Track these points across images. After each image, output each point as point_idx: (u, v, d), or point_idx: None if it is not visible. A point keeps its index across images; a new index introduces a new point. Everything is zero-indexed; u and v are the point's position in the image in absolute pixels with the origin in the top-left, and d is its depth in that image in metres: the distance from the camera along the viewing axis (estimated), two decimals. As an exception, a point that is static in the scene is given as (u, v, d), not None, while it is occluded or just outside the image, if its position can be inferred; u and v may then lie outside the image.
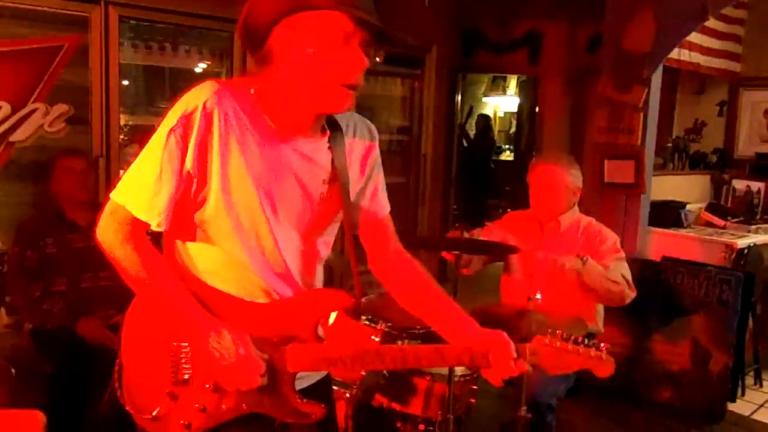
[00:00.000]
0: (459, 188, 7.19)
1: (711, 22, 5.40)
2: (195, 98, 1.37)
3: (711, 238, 4.54)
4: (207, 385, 1.43)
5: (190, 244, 1.47)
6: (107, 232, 1.40)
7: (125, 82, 3.50)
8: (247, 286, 1.46)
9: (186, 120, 1.35)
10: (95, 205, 2.89)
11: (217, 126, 1.37)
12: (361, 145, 1.56)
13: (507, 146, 9.90)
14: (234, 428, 1.46)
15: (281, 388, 1.44)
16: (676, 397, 4.06)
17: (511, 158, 9.10)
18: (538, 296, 2.46)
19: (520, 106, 8.81)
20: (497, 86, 9.98)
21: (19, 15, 2.97)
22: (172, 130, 1.35)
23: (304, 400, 1.46)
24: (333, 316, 2.21)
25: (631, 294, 2.81)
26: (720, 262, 4.36)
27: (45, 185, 2.93)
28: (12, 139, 2.99)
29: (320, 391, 1.57)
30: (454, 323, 1.54)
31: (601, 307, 2.92)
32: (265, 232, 1.44)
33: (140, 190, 1.36)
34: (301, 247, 1.51)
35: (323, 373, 1.63)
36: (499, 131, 10.19)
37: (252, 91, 1.42)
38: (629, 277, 2.84)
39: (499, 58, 6.13)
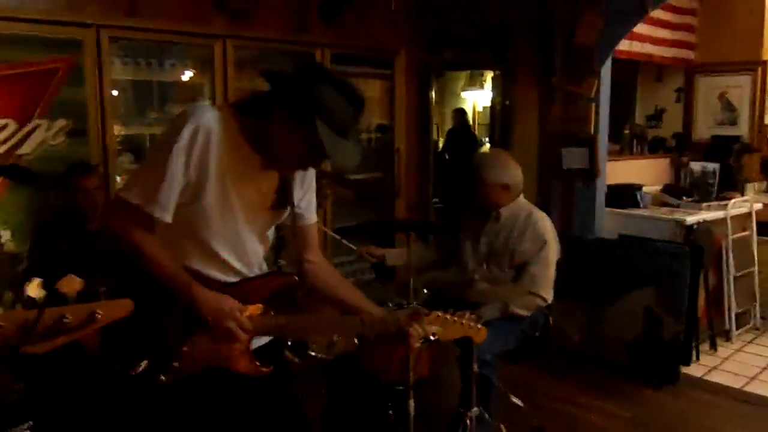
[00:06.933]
0: (441, 181, 7.52)
1: (663, 14, 5.78)
2: (198, 119, 1.76)
3: (663, 216, 4.90)
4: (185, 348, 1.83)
5: (176, 231, 1.85)
6: (119, 221, 1.79)
7: (116, 93, 3.85)
8: (218, 266, 1.89)
9: (190, 136, 1.74)
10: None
11: (214, 143, 1.77)
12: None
13: (487, 139, 10.23)
14: (203, 377, 1.87)
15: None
16: (631, 362, 4.43)
17: (489, 150, 9.42)
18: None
19: (492, 100, 9.14)
20: (475, 81, 10.29)
21: (20, 41, 3.32)
22: (179, 144, 1.73)
23: (256, 361, 1.90)
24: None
25: (542, 303, 3.17)
26: (672, 238, 4.73)
27: (55, 194, 3.27)
28: (19, 152, 3.34)
29: (270, 350, 2.00)
30: (367, 310, 2.03)
31: (550, 279, 3.26)
32: (236, 226, 1.88)
33: (153, 193, 1.74)
34: (256, 238, 1.97)
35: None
36: (479, 125, 10.52)
37: (241, 123, 1.83)
38: (543, 285, 3.16)
39: (468, 55, 6.47)
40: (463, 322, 2.02)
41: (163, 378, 1.82)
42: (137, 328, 1.78)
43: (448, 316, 2.00)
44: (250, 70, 4.44)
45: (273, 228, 2.07)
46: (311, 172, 2.03)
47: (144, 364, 1.80)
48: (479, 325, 2.07)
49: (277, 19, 4.45)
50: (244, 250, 1.92)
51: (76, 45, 3.48)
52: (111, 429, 2.61)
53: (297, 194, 2.01)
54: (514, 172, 3.23)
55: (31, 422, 2.51)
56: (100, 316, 1.28)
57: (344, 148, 1.76)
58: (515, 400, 3.32)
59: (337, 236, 3.47)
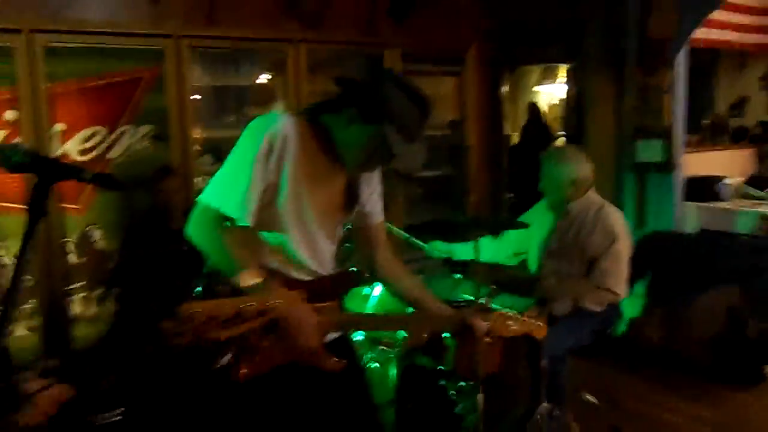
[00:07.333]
0: (515, 176, 7.46)
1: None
2: (274, 126, 1.86)
3: (746, 209, 4.72)
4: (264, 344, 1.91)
5: (253, 233, 1.95)
6: (201, 230, 1.87)
7: (197, 97, 4.05)
8: (293, 265, 1.96)
9: (268, 143, 1.83)
10: (186, 212, 3.40)
11: (289, 148, 1.86)
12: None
13: (562, 133, 10.08)
14: (282, 371, 1.94)
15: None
16: (713, 361, 4.29)
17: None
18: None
19: (567, 93, 8.99)
20: (549, 75, 10.16)
21: (108, 53, 3.56)
22: (257, 151, 1.83)
23: (330, 355, 1.95)
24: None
25: (614, 299, 3.10)
26: (757, 232, 4.55)
27: (140, 195, 3.48)
28: (108, 156, 3.59)
29: (342, 344, 2.05)
30: (433, 307, 2.10)
31: (622, 274, 3.20)
32: (309, 226, 1.96)
33: (235, 198, 1.83)
34: (327, 237, 2.04)
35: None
36: (554, 118, 10.37)
37: (312, 128, 1.92)
38: (614, 280, 3.09)
39: (540, 49, 6.40)
40: (525, 319, 2.05)
41: (243, 372, 1.93)
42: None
43: (510, 313, 2.03)
44: (322, 72, 4.56)
45: (342, 227, 2.14)
46: (377, 172, 2.10)
47: (227, 358, 1.91)
48: (540, 323, 2.08)
49: (348, 22, 4.54)
50: (316, 248, 2.01)
51: (159, 55, 3.68)
52: (196, 420, 2.76)
53: (364, 194, 2.08)
54: (582, 167, 3.20)
55: (122, 409, 2.68)
56: (275, 306, 1.34)
57: (410, 151, 1.82)
58: (590, 397, 3.29)
59: (405, 234, 3.53)
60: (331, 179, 1.98)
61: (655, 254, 4.45)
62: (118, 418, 2.74)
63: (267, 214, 1.92)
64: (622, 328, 4.16)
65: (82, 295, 3.58)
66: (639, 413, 3.74)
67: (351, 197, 2.05)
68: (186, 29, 3.74)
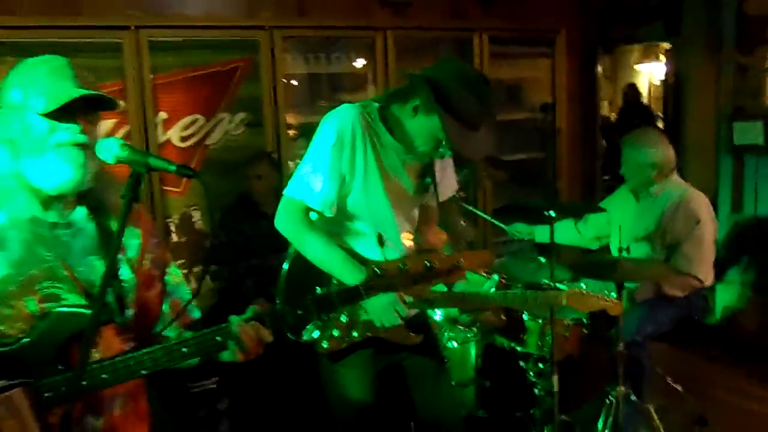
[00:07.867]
0: (612, 158, 7.25)
1: None
2: (346, 120, 1.99)
3: None
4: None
5: (335, 221, 2.09)
6: (287, 222, 2.03)
7: (294, 83, 4.22)
8: (367, 250, 2.08)
9: (341, 136, 1.97)
10: (278, 195, 3.57)
11: (360, 140, 2.00)
12: None
13: (660, 114, 9.71)
14: (362, 345, 2.09)
15: None
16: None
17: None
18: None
19: (666, 74, 8.64)
20: (650, 53, 9.79)
21: (206, 45, 3.80)
22: (331, 144, 1.97)
23: (408, 331, 2.08)
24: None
25: (697, 284, 3.07)
26: None
27: (235, 179, 3.69)
28: (206, 142, 3.83)
29: (418, 320, 2.18)
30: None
31: (705, 259, 3.14)
32: (387, 211, 2.09)
33: (316, 190, 1.98)
34: (406, 219, 2.18)
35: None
36: (656, 99, 10.00)
37: (383, 117, 2.04)
38: (697, 265, 3.08)
39: (636, 29, 6.19)
40: (599, 296, 2.09)
41: (325, 345, 2.07)
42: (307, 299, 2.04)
43: (584, 292, 2.09)
44: (410, 58, 4.63)
45: (416, 209, 2.25)
46: (448, 158, 2.19)
47: (312, 332, 2.06)
48: (615, 299, 2.13)
49: (436, 7, 4.58)
50: (395, 232, 2.13)
51: (253, 46, 3.88)
52: (285, 388, 2.94)
53: (437, 178, 2.17)
54: (663, 151, 3.17)
55: (216, 378, 2.89)
56: (463, 264, 1.45)
57: (472, 140, 1.89)
58: (674, 385, 3.25)
59: (487, 216, 3.57)
60: (405, 164, 2.08)
61: (753, 240, 4.27)
62: (213, 386, 2.97)
63: (347, 202, 2.05)
64: (716, 316, 4.06)
65: (183, 272, 3.83)
66: (726, 403, 3.63)
67: (425, 181, 2.15)
68: (278, 20, 3.92)
